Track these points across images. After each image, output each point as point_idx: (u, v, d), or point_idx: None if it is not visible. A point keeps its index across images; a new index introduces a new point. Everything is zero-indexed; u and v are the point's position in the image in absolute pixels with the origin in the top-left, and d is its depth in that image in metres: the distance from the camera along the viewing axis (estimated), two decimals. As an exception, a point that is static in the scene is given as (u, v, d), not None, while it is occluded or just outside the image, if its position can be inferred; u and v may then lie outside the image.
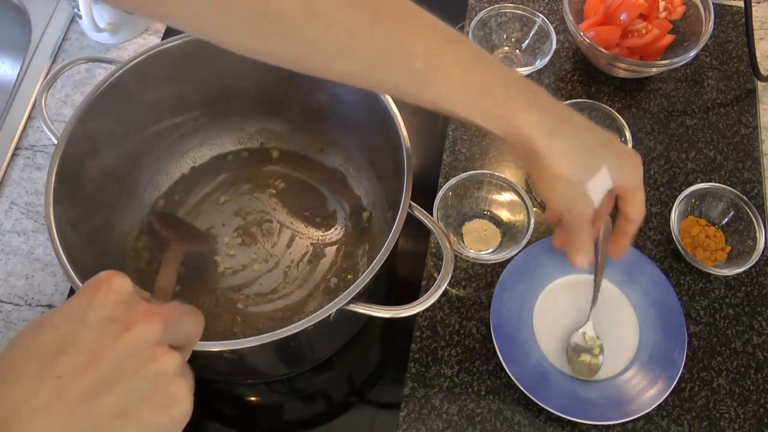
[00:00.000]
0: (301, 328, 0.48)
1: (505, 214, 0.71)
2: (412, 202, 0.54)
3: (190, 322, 0.37)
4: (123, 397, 0.31)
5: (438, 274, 0.69)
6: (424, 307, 0.50)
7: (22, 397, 0.30)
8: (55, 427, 0.29)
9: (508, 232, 0.70)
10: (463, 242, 0.70)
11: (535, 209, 0.73)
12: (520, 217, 0.69)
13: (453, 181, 0.68)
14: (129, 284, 0.34)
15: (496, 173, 0.69)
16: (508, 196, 0.69)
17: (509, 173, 0.75)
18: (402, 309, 0.51)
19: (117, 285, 0.33)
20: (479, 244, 0.69)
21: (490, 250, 0.69)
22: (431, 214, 0.72)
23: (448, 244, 0.53)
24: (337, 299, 0.50)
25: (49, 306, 0.67)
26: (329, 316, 0.49)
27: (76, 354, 0.31)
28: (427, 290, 0.68)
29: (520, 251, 0.66)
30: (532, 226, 0.65)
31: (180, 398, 0.33)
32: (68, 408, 0.30)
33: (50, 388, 0.30)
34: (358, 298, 0.50)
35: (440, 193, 0.67)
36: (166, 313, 0.34)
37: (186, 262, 0.65)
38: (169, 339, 0.34)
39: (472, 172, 0.69)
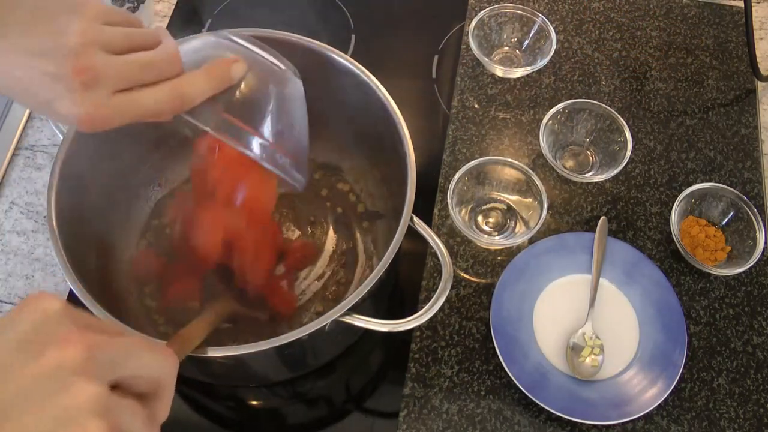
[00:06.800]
0: (295, 338, 0.48)
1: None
2: (413, 216, 0.54)
3: (152, 360, 0.31)
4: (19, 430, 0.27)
5: (438, 274, 0.69)
6: (421, 322, 0.50)
7: None
8: None
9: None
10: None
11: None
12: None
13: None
14: (59, 305, 0.30)
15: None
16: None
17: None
18: (399, 323, 0.51)
19: (45, 304, 0.30)
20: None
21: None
22: (432, 214, 0.73)
23: (447, 261, 0.53)
24: (333, 310, 0.49)
25: (49, 306, 0.67)
26: (325, 326, 0.49)
27: None
28: (427, 290, 0.69)
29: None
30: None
31: None
32: None
33: None
34: (356, 308, 0.50)
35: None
36: (97, 340, 0.29)
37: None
38: (120, 376, 0.30)
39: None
